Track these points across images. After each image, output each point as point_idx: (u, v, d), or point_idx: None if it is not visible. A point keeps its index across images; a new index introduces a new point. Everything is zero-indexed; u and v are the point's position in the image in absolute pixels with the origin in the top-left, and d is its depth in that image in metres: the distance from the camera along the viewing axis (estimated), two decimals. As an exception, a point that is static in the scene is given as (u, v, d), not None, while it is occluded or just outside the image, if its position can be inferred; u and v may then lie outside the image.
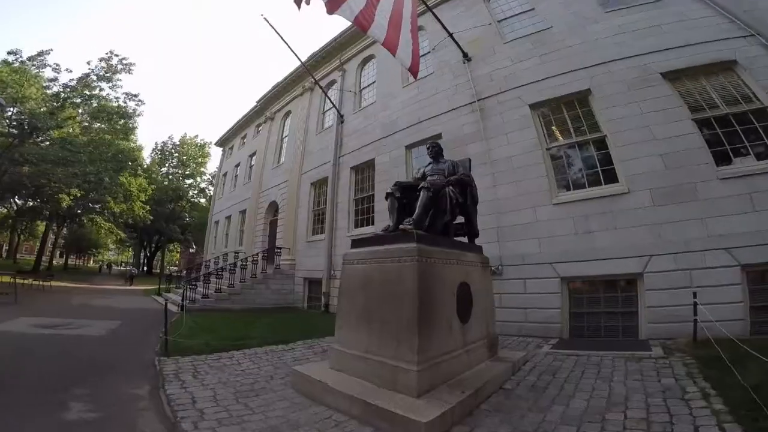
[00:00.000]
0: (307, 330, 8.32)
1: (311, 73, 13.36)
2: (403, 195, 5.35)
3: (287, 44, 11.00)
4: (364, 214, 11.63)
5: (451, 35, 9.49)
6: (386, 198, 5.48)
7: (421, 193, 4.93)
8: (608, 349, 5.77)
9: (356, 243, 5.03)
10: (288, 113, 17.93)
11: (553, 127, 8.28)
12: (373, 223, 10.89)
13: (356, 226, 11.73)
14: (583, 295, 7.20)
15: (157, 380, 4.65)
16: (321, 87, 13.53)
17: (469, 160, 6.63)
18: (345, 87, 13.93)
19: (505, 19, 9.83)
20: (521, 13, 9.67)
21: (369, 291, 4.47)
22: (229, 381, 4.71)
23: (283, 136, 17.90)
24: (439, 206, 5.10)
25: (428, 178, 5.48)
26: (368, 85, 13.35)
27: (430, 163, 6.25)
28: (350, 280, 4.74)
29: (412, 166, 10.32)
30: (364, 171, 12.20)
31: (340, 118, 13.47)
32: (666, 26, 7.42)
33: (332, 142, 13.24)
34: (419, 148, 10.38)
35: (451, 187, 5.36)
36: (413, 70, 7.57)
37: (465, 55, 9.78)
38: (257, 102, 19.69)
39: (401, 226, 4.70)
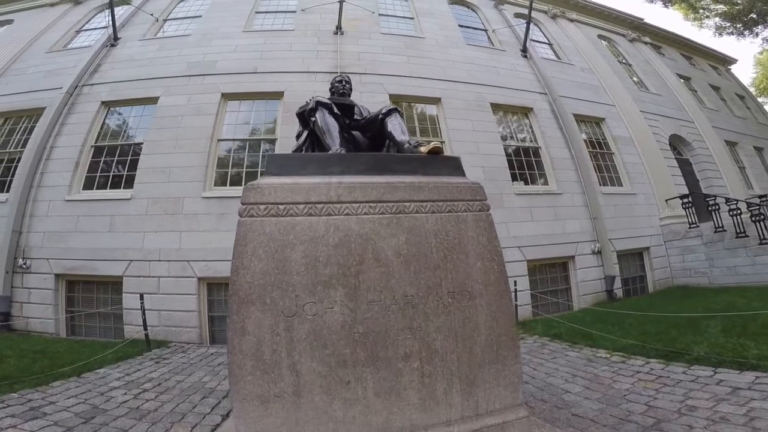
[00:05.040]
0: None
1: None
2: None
3: None
4: (108, 170, 6.47)
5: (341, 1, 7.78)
6: (309, 114, 2.71)
7: (395, 116, 2.72)
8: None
9: (294, 164, 1.83)
10: (5, 23, 9.70)
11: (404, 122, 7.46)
12: (129, 185, 6.19)
13: (88, 187, 6.37)
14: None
15: None
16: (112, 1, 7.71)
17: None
18: (146, 10, 8.83)
19: (387, 15, 9.32)
20: (403, 17, 9.42)
21: (366, 284, 1.53)
22: None
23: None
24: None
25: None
26: (182, 18, 8.93)
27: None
28: (285, 261, 1.60)
29: (224, 121, 6.82)
30: (130, 111, 7.06)
31: (114, 40, 7.94)
32: (501, 70, 8.43)
33: (78, 65, 7.36)
34: (242, 102, 6.99)
35: None
36: None
37: (339, 27, 8.11)
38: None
39: (433, 146, 2.06)
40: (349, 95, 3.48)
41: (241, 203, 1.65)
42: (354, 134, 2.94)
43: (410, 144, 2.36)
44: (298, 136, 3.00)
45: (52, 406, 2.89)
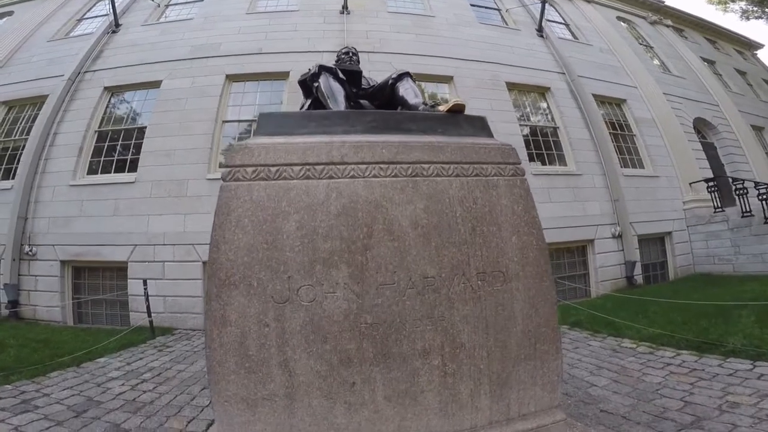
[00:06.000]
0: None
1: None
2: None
3: None
4: (111, 154, 6.32)
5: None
6: (312, 79, 2.36)
7: (407, 80, 2.36)
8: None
9: (289, 123, 1.50)
10: (5, 15, 9.50)
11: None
12: (134, 169, 6.01)
13: (92, 173, 6.20)
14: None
15: None
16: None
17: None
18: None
19: (394, -5, 8.84)
20: (410, -4, 8.93)
21: (375, 262, 1.18)
22: None
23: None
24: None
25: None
26: (184, 3, 8.66)
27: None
28: (276, 233, 1.25)
29: (228, 102, 6.56)
30: (133, 95, 6.84)
31: (115, 26, 7.74)
32: (516, 49, 7.92)
33: (80, 52, 7.15)
34: (247, 83, 6.71)
35: None
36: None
37: (345, 6, 7.71)
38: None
39: (454, 103, 1.71)
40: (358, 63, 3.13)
41: (225, 165, 1.34)
42: (361, 103, 2.61)
43: (426, 105, 2.01)
44: (301, 108, 2.69)
45: (45, 399, 2.72)
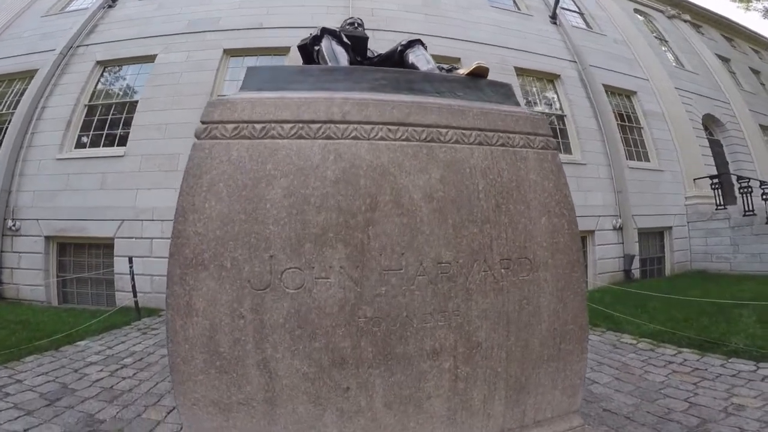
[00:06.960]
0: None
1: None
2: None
3: None
4: (101, 128, 6.06)
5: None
6: (312, 43, 2.15)
7: (418, 47, 2.15)
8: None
9: (282, 77, 1.25)
10: None
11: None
12: (123, 143, 5.76)
13: (80, 147, 5.97)
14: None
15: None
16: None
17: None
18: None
19: (403, -26, 8.43)
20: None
21: (379, 241, 0.94)
22: None
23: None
24: None
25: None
26: None
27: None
28: (258, 201, 0.98)
29: (225, 77, 6.29)
30: (126, 70, 6.54)
31: (111, 1, 7.45)
32: (527, 35, 7.60)
33: (74, 26, 6.83)
34: (246, 58, 6.42)
35: None
36: None
37: None
38: None
39: (476, 65, 1.44)
40: None
41: (201, 122, 1.10)
42: (366, 72, 2.36)
43: (443, 69, 1.77)
44: None
45: (18, 386, 2.54)
